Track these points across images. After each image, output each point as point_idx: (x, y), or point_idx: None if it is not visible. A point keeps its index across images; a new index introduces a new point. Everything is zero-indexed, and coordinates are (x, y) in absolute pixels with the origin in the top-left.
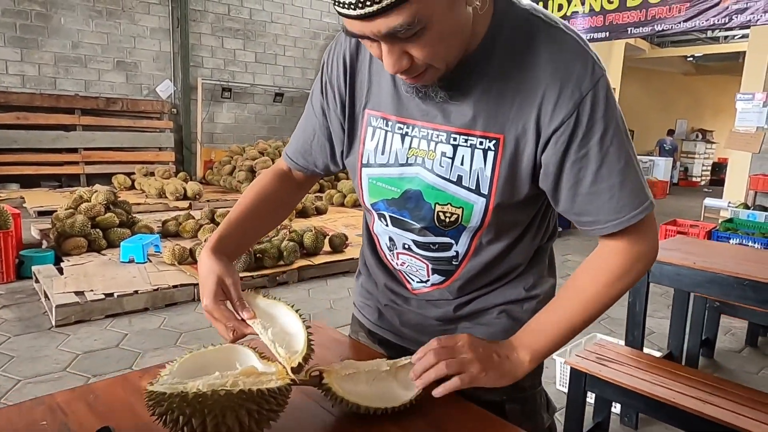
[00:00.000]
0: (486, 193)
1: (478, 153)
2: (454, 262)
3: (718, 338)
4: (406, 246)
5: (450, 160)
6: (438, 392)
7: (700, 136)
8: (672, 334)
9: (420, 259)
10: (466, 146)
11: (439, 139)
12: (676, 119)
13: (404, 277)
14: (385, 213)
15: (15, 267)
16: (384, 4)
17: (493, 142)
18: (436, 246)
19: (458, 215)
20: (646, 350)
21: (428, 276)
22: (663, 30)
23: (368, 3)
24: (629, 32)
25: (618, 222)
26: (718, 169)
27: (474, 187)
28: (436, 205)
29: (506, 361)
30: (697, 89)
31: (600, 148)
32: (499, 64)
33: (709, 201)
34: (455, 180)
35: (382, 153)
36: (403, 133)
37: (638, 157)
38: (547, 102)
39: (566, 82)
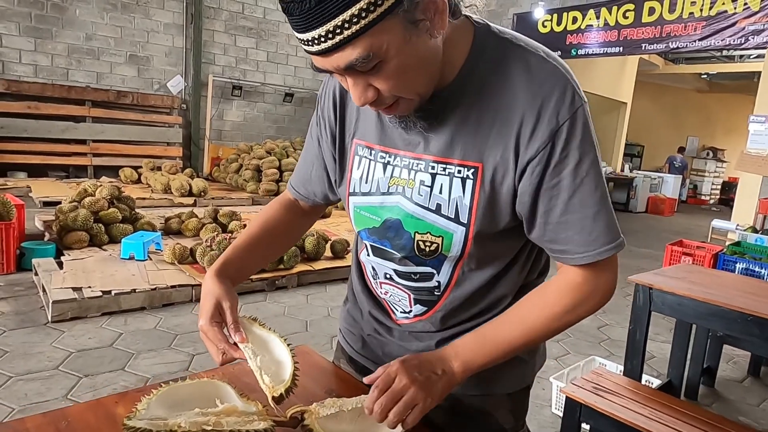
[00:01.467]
0: (465, 221)
1: (457, 181)
2: (436, 293)
3: (719, 366)
4: (388, 276)
5: (429, 189)
6: None
7: (711, 155)
8: (672, 363)
9: (402, 289)
10: (445, 174)
11: (419, 167)
12: (687, 136)
13: (389, 306)
14: (367, 242)
15: (16, 258)
16: (337, 39)
17: (472, 170)
18: (417, 276)
19: (438, 244)
20: (645, 376)
21: (410, 306)
22: (677, 48)
23: (323, 39)
24: (643, 48)
25: (586, 255)
26: (728, 188)
27: (453, 216)
28: (416, 234)
29: (444, 377)
30: (709, 107)
31: (573, 179)
32: (478, 92)
33: (717, 222)
34: (434, 208)
35: (366, 182)
36: (385, 162)
37: (647, 173)
38: (525, 130)
39: (544, 111)
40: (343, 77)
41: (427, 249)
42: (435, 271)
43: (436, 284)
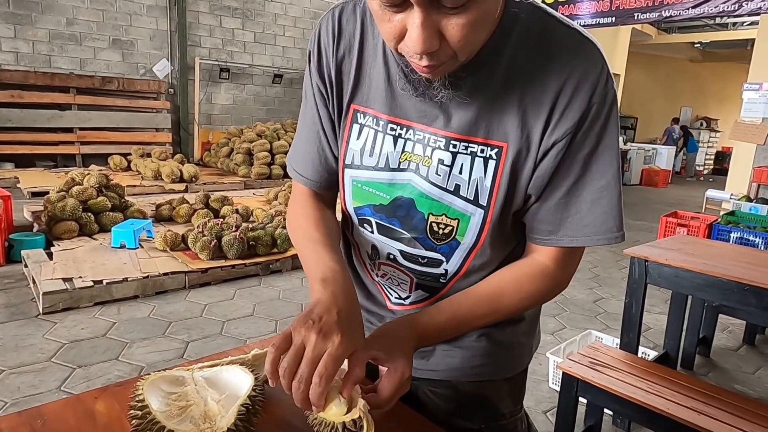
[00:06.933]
0: (485, 204)
1: (479, 161)
2: (441, 280)
3: (715, 336)
4: (392, 256)
5: (447, 168)
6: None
7: (705, 125)
8: (669, 334)
9: (404, 272)
10: (466, 154)
11: (437, 144)
12: (681, 107)
13: (383, 290)
14: (371, 219)
15: (5, 251)
16: None
17: (495, 150)
18: (425, 260)
19: (453, 227)
20: (641, 349)
21: (410, 292)
22: (671, 16)
23: None
24: (636, 18)
25: (576, 239)
26: (722, 158)
27: (472, 198)
28: (430, 216)
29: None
30: (702, 76)
31: (584, 162)
32: (509, 65)
33: (711, 192)
34: (452, 189)
35: (370, 155)
36: (396, 134)
37: (641, 145)
38: (557, 111)
39: (578, 93)
40: (401, 14)
41: (441, 232)
42: (444, 259)
43: (443, 272)
